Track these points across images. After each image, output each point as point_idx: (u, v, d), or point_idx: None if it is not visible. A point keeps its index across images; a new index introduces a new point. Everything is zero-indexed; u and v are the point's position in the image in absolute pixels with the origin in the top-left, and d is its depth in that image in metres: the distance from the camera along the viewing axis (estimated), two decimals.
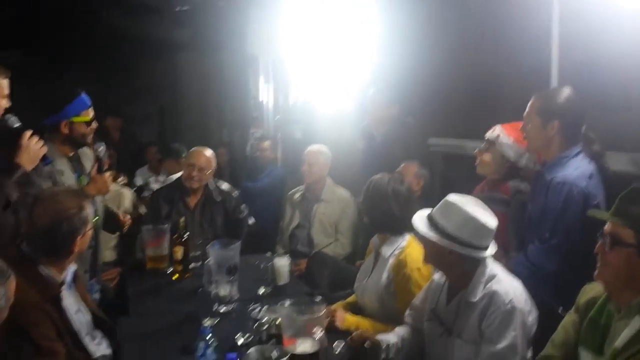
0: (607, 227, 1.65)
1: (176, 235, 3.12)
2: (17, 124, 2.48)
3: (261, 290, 2.81)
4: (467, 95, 3.40)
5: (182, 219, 3.20)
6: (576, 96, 2.30)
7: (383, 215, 2.43)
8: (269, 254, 3.52)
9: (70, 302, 2.15)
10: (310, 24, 4.89)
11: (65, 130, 2.82)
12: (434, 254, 2.04)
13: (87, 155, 3.03)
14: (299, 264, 3.59)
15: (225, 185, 3.76)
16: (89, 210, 2.13)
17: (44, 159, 2.52)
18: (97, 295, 2.89)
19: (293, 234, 3.89)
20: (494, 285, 1.95)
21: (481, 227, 1.95)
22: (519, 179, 2.57)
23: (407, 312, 2.27)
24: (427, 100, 3.73)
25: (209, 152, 3.64)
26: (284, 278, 2.96)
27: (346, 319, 2.37)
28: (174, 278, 3.10)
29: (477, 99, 3.33)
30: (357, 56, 4.44)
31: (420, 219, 2.06)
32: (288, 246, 3.85)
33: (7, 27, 6.95)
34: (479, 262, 2.00)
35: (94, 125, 2.90)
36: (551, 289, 2.10)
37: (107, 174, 2.94)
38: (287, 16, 5.27)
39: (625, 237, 1.59)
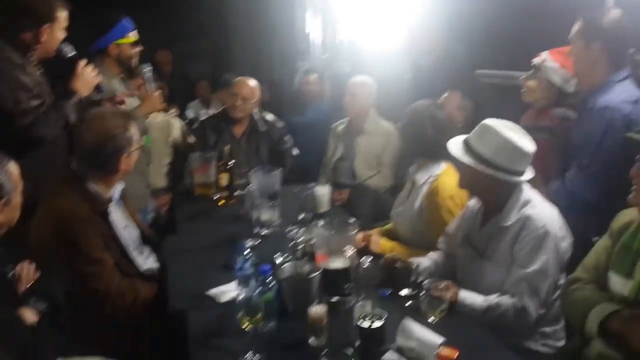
0: None
1: (222, 163, 3.21)
2: (71, 53, 2.62)
3: (301, 217, 2.88)
4: (517, 24, 3.24)
5: (227, 147, 3.28)
6: (624, 19, 2.17)
7: (419, 140, 2.42)
8: (311, 186, 3.58)
9: (118, 217, 2.29)
10: None
11: (113, 52, 3.00)
12: (469, 179, 2.04)
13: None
14: (342, 192, 3.64)
15: (270, 116, 3.81)
16: (133, 130, 2.22)
17: (98, 88, 2.65)
18: (150, 217, 3.07)
19: (336, 166, 3.91)
20: (528, 210, 1.94)
21: (517, 151, 1.92)
22: (565, 107, 2.48)
23: (441, 238, 2.29)
24: (476, 31, 3.57)
25: (252, 82, 3.67)
26: (324, 206, 3.02)
27: (381, 244, 2.42)
28: (219, 203, 3.21)
29: (527, 28, 3.16)
30: None
31: (455, 143, 2.05)
32: (331, 178, 3.88)
33: None
34: (514, 187, 1.98)
35: (139, 47, 3.05)
36: (588, 216, 2.06)
37: (157, 92, 3.07)
38: None
39: None
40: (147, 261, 2.40)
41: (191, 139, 4.14)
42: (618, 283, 1.69)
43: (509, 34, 3.32)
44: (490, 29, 3.48)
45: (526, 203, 1.96)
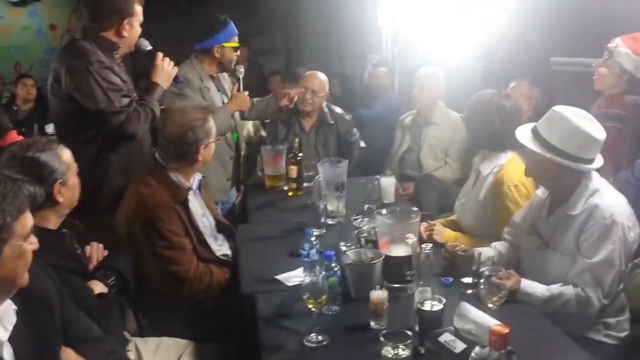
0: None
1: (291, 155, 3.33)
2: (149, 47, 2.76)
3: (366, 207, 2.95)
4: (591, 10, 3.14)
5: (297, 140, 3.40)
6: None
7: (484, 130, 2.42)
8: (377, 177, 3.63)
9: (196, 206, 2.46)
10: None
11: (216, 53, 3.21)
12: (537, 167, 2.04)
13: (224, 78, 3.43)
14: (407, 187, 3.68)
15: (338, 109, 3.90)
16: (211, 123, 2.38)
17: (176, 79, 2.82)
18: (227, 207, 3.26)
19: (402, 158, 3.93)
20: (596, 199, 1.92)
21: (586, 139, 1.90)
22: (637, 94, 2.40)
23: (507, 228, 2.29)
24: (550, 18, 3.48)
25: (322, 76, 3.76)
26: (389, 197, 3.08)
27: (445, 233, 2.44)
28: (288, 194, 3.34)
29: (601, 14, 3.06)
30: None
31: (524, 131, 2.05)
32: (397, 169, 3.91)
33: None
34: (583, 176, 1.96)
35: (238, 51, 3.26)
36: None
37: (246, 93, 3.27)
38: None
39: None
40: (221, 248, 2.55)
41: (263, 133, 4.31)
42: None
43: (582, 21, 3.22)
44: (563, 16, 3.38)
45: (594, 192, 1.94)
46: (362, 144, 3.93)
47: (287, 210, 3.09)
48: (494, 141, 2.42)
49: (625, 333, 1.95)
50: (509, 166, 2.39)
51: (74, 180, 1.92)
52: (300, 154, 3.34)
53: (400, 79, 5.43)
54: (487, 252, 2.21)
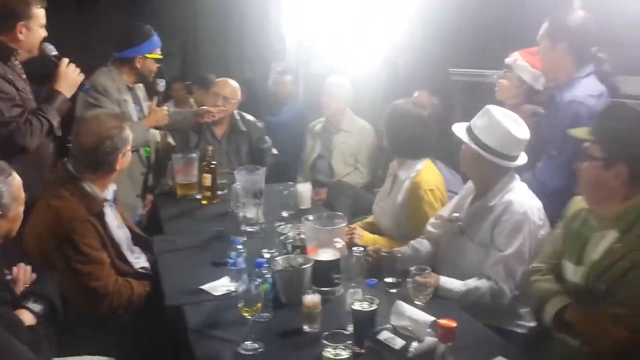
0: (586, 143, 1.76)
1: (205, 163, 3.28)
2: (54, 52, 2.62)
3: (284, 214, 2.97)
4: (489, 24, 3.41)
5: (210, 148, 3.35)
6: (588, 19, 2.35)
7: (403, 138, 2.55)
8: (291, 184, 3.67)
9: (112, 218, 2.36)
10: None
11: (138, 64, 3.12)
12: (467, 159, 2.22)
13: (140, 89, 3.32)
14: (319, 192, 3.76)
15: (250, 117, 3.89)
16: (129, 131, 2.30)
17: (82, 86, 2.68)
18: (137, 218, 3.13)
19: (314, 164, 4.03)
20: (512, 196, 2.11)
21: (510, 138, 2.09)
22: (535, 104, 2.65)
23: (432, 220, 2.43)
24: (449, 31, 3.73)
25: (233, 83, 3.76)
26: (306, 203, 3.14)
27: (364, 236, 2.54)
28: (203, 203, 3.29)
29: (499, 28, 3.34)
30: None
31: (460, 126, 2.22)
32: (309, 176, 3.99)
33: None
34: (506, 171, 2.15)
35: (159, 64, 3.21)
36: (556, 203, 2.22)
37: (165, 107, 3.17)
38: None
39: (594, 151, 1.72)
40: (138, 260, 2.46)
41: (170, 140, 4.18)
42: (570, 270, 1.82)
43: (480, 34, 3.48)
44: (463, 29, 3.63)
45: (511, 189, 2.13)
46: (275, 151, 3.96)
47: (204, 219, 3.05)
48: (412, 149, 2.56)
49: (534, 323, 2.14)
50: (425, 171, 2.54)
51: (16, 211, 1.80)
52: (214, 162, 3.30)
53: (306, 86, 5.53)
54: (406, 251, 2.33)
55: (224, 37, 7.91)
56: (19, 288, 1.93)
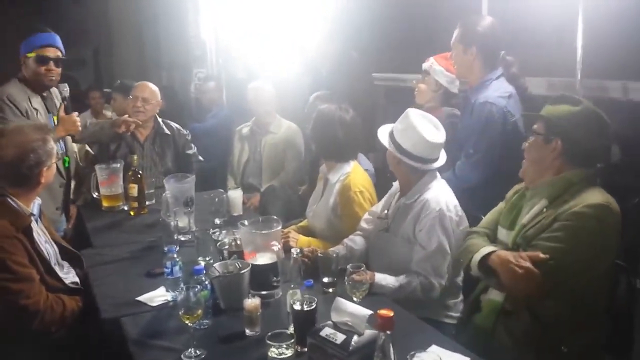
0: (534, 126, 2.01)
1: (130, 173, 3.21)
2: None
3: (217, 221, 2.98)
4: (407, 30, 3.59)
5: (136, 157, 3.29)
6: (495, 24, 2.56)
7: (330, 143, 2.64)
8: (222, 191, 3.67)
9: (39, 232, 2.27)
10: None
11: (23, 65, 2.95)
12: (390, 161, 2.35)
13: (57, 97, 3.14)
14: (251, 198, 3.79)
15: (174, 124, 3.85)
16: (52, 143, 2.22)
17: None
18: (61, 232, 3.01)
19: (244, 169, 4.04)
20: (428, 194, 2.25)
21: (425, 142, 2.22)
22: (451, 107, 2.83)
23: (365, 216, 2.53)
24: (370, 37, 3.88)
25: (153, 86, 3.74)
26: (237, 209, 3.16)
27: (299, 239, 2.60)
28: (131, 213, 3.22)
29: (415, 34, 3.53)
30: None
31: (383, 132, 2.34)
32: (239, 180, 4.01)
33: None
34: (423, 173, 2.28)
35: (52, 65, 2.97)
36: (476, 200, 2.39)
37: (75, 114, 3.02)
38: None
39: (538, 129, 1.98)
40: (68, 275, 2.39)
41: (89, 149, 4.05)
42: (503, 234, 2.05)
43: (402, 39, 3.65)
44: (382, 36, 3.79)
45: (429, 188, 2.27)
46: (200, 158, 3.94)
47: (133, 230, 3.00)
48: (338, 152, 2.65)
49: (459, 314, 2.29)
50: (354, 174, 2.65)
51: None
52: (140, 172, 3.24)
53: (228, 91, 5.53)
54: (340, 250, 2.42)
55: (138, 44, 7.74)
56: None
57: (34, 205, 2.27)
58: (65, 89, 3.09)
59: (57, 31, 6.24)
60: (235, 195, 3.16)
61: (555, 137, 1.92)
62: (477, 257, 1.96)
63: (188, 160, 3.80)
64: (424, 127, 2.24)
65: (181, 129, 3.87)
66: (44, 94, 3.07)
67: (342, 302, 1.65)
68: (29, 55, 2.96)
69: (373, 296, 2.06)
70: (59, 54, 3.06)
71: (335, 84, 3.73)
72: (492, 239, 2.09)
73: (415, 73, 3.02)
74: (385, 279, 2.17)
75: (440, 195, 2.25)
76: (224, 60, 5.89)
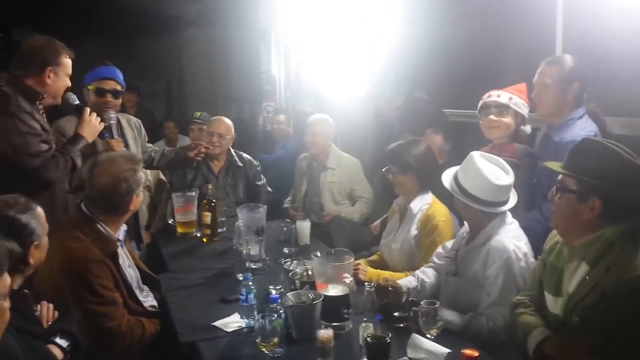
0: (559, 177, 1.89)
1: (205, 201, 3.34)
2: (76, 102, 2.76)
3: (286, 250, 3.05)
4: (473, 67, 3.60)
5: (210, 186, 3.43)
6: (581, 62, 2.51)
7: (427, 174, 2.70)
8: (288, 220, 3.75)
9: (124, 257, 2.40)
10: None
11: (85, 97, 3.17)
12: (458, 204, 2.34)
13: (132, 125, 3.41)
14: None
15: (246, 155, 4.00)
16: (141, 172, 2.37)
17: (102, 135, 2.79)
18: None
19: (304, 203, 4.11)
20: (497, 239, 2.20)
21: (492, 186, 2.21)
22: (523, 144, 2.78)
23: (437, 250, 2.53)
24: (437, 74, 3.89)
25: (228, 121, 3.90)
26: (305, 239, 3.21)
27: (368, 272, 2.62)
28: (203, 241, 3.34)
29: (482, 70, 3.52)
30: (370, 34, 4.51)
31: (447, 176, 2.35)
32: (303, 212, 4.07)
33: (17, 5, 7.07)
34: (493, 216, 2.25)
35: (110, 97, 3.18)
36: None
37: (119, 140, 3.19)
38: None
39: (569, 184, 1.84)
40: (147, 299, 2.49)
41: (163, 178, 4.24)
42: (551, 302, 1.91)
43: (468, 75, 3.64)
44: (451, 71, 3.80)
45: (498, 232, 2.22)
46: (269, 189, 4.05)
47: (207, 257, 3.11)
48: (429, 183, 2.73)
49: None
50: (436, 204, 2.71)
51: (45, 241, 1.88)
52: (214, 201, 3.37)
53: (296, 123, 5.66)
54: (411, 281, 2.42)
55: (209, 77, 8.06)
56: (43, 325, 1.97)
57: (120, 231, 2.40)
58: (112, 115, 3.21)
59: (134, 65, 6.58)
60: (304, 225, 3.21)
61: (592, 196, 1.76)
62: (532, 343, 1.85)
63: (258, 191, 3.93)
64: (491, 171, 2.23)
65: (252, 160, 4.01)
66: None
67: (418, 338, 1.65)
68: (89, 87, 3.20)
69: (448, 334, 2.03)
70: (118, 86, 3.26)
71: (400, 129, 3.68)
72: (540, 305, 1.98)
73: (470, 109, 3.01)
74: (451, 315, 2.14)
75: (510, 241, 2.20)
76: (293, 94, 6.05)
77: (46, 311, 1.99)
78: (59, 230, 2.23)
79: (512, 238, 2.22)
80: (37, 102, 2.57)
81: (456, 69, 3.78)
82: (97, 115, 3.12)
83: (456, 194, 2.27)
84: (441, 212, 2.66)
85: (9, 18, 7.40)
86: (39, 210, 1.86)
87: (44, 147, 2.46)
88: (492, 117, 2.74)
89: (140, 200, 2.42)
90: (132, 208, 2.36)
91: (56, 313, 2.02)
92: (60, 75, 2.60)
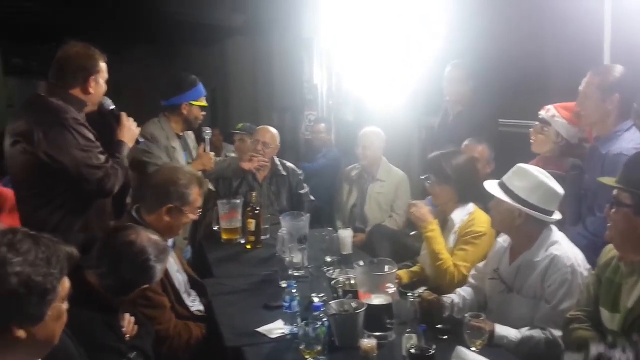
0: (614, 191, 1.85)
1: (249, 209, 3.41)
2: (113, 106, 2.75)
3: (328, 259, 3.07)
4: (521, 76, 3.55)
5: (254, 194, 3.49)
6: (629, 73, 2.46)
7: (470, 185, 2.69)
8: (331, 229, 3.77)
9: (172, 262, 2.48)
10: (367, 6, 4.93)
11: (184, 111, 3.29)
12: (503, 217, 2.29)
13: (190, 137, 3.50)
14: (356, 236, 3.85)
15: (290, 164, 4.07)
16: (194, 193, 2.46)
17: (137, 141, 2.86)
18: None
19: (350, 211, 4.14)
20: (556, 250, 2.17)
21: (550, 192, 2.18)
22: (572, 157, 2.75)
23: (472, 272, 2.52)
24: (493, 83, 3.83)
25: (273, 130, 3.99)
26: (348, 248, 3.23)
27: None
28: (247, 247, 3.40)
29: (530, 80, 3.48)
30: (413, 43, 4.53)
31: (492, 185, 2.31)
32: (348, 221, 4.10)
33: (69, 15, 7.37)
34: (545, 226, 2.22)
35: (205, 112, 3.36)
36: None
37: (212, 153, 3.40)
38: None
39: (624, 199, 1.80)
40: (194, 304, 2.57)
41: (211, 187, 4.34)
42: (607, 318, 1.88)
43: (517, 85, 3.59)
44: (507, 80, 3.74)
45: (554, 242, 2.20)
46: (312, 197, 4.09)
47: (251, 264, 3.16)
48: (472, 194, 2.71)
49: None
50: (479, 213, 2.68)
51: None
52: (258, 209, 3.43)
53: (337, 132, 5.70)
54: (454, 298, 2.40)
55: (253, 87, 8.19)
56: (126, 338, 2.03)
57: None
58: (208, 131, 3.48)
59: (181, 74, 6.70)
60: (346, 234, 3.24)
61: None
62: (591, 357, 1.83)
63: (301, 200, 3.98)
64: (545, 179, 2.21)
65: (296, 169, 4.08)
66: (180, 135, 3.37)
67: (463, 351, 1.65)
68: (195, 103, 3.34)
69: (492, 348, 2.02)
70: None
71: (461, 130, 3.61)
72: (595, 322, 1.94)
73: (527, 119, 2.97)
74: (506, 331, 2.12)
75: (570, 251, 2.17)
76: (335, 103, 6.09)
77: (127, 325, 2.05)
78: None
79: (571, 247, 2.20)
80: (83, 110, 2.55)
81: (503, 78, 3.73)
82: (190, 128, 3.39)
83: (509, 199, 2.21)
84: (483, 221, 2.63)
85: (63, 28, 7.71)
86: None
87: (103, 158, 2.46)
88: (531, 130, 2.73)
89: (182, 222, 2.49)
90: (169, 220, 2.42)
91: (136, 328, 2.08)
92: (100, 82, 2.60)
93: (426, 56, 4.39)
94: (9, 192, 3.61)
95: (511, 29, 3.65)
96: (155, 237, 1.98)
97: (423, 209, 2.69)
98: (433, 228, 2.68)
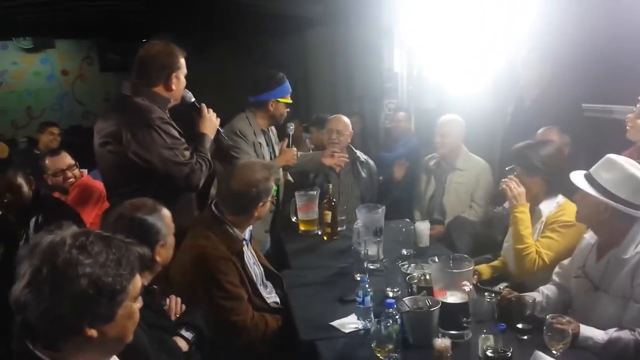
0: None
1: (325, 201, 3.42)
2: (193, 99, 2.80)
3: (404, 252, 3.02)
4: (613, 59, 3.28)
5: (331, 186, 3.50)
6: None
7: (559, 176, 2.55)
8: (407, 220, 3.71)
9: (249, 255, 2.54)
10: None
11: (271, 107, 3.37)
12: (589, 211, 2.14)
13: (273, 132, 3.58)
14: (433, 228, 3.76)
15: (364, 155, 4.04)
16: (272, 183, 2.49)
17: (218, 131, 2.92)
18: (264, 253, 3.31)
19: (429, 202, 4.03)
20: None
21: (639, 185, 2.01)
22: None
23: (556, 270, 2.39)
24: (575, 65, 3.59)
25: (346, 119, 3.97)
26: (424, 241, 3.17)
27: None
28: (324, 239, 3.42)
29: (622, 63, 3.20)
30: (497, 29, 4.32)
31: (578, 176, 2.16)
32: (425, 212, 4.01)
33: (153, 11, 7.67)
34: (635, 221, 2.06)
35: (289, 108, 3.43)
36: None
37: (294, 149, 3.43)
38: None
39: None
40: (270, 295, 2.62)
41: (290, 178, 4.40)
42: None
43: (608, 68, 3.33)
44: (592, 63, 3.50)
45: None
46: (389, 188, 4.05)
47: (327, 255, 3.18)
48: (554, 186, 2.59)
49: None
50: (569, 204, 2.53)
51: (171, 240, 2.04)
52: (335, 200, 3.43)
53: (417, 121, 5.57)
54: (536, 296, 2.28)
55: (332, 76, 8.19)
56: (172, 317, 2.14)
57: (246, 231, 2.54)
58: (291, 126, 3.52)
59: (262, 65, 6.88)
60: (423, 227, 3.17)
61: None
62: None
63: (376, 190, 3.94)
64: (633, 169, 2.04)
65: (369, 160, 4.04)
66: (265, 130, 3.43)
67: (542, 356, 1.57)
68: (281, 100, 3.40)
69: (576, 350, 1.91)
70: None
71: (539, 115, 3.44)
72: None
73: (620, 104, 2.74)
74: (592, 331, 1.99)
75: None
76: (415, 91, 5.96)
77: (174, 304, 2.15)
78: (192, 228, 2.42)
79: None
80: (166, 107, 2.61)
81: (587, 60, 3.46)
82: (275, 123, 3.46)
83: (595, 193, 2.07)
84: (574, 212, 2.40)
85: (151, 23, 8.06)
86: (165, 211, 2.00)
87: (188, 154, 2.52)
88: (630, 115, 2.50)
89: (266, 209, 2.53)
90: (257, 215, 2.48)
91: (183, 307, 2.18)
92: (181, 78, 2.64)
93: (510, 41, 4.18)
94: (95, 185, 3.87)
95: (600, 11, 3.37)
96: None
97: (520, 188, 2.57)
98: (524, 210, 2.56)
